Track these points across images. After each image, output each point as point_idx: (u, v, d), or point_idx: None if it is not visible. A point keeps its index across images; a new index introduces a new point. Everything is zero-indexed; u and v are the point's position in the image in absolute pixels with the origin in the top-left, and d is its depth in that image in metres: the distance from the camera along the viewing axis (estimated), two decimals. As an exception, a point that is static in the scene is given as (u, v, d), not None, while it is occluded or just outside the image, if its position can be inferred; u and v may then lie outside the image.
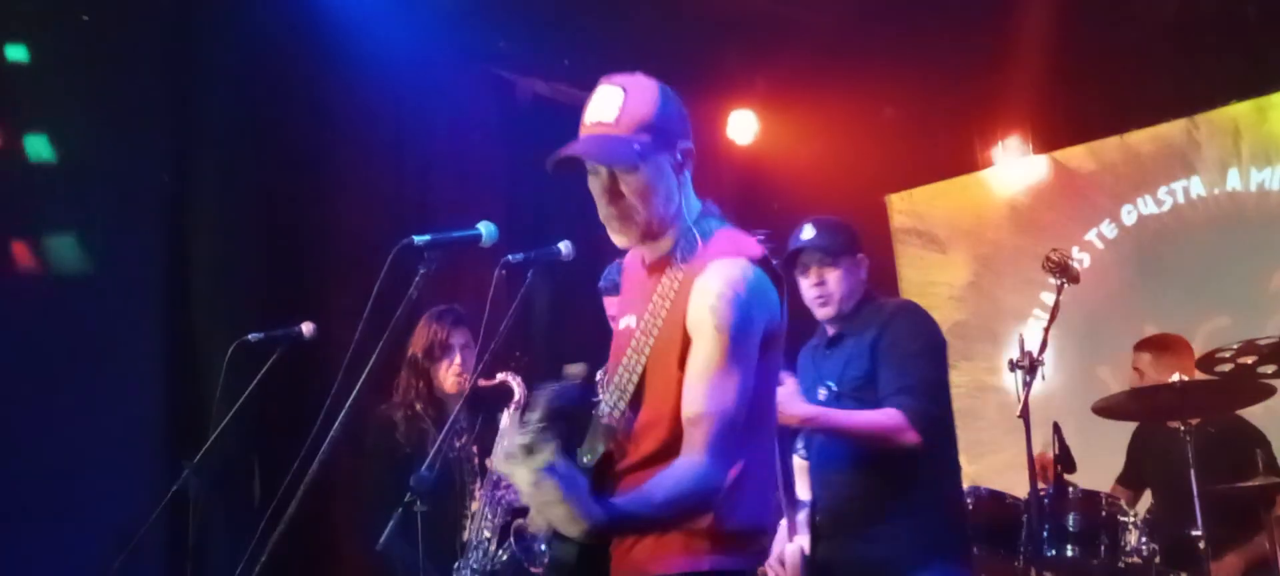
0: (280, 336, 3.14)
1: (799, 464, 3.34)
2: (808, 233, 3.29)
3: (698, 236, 2.10)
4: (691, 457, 1.93)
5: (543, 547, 2.55)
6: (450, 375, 3.68)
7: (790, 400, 3.00)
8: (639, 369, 2.04)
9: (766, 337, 2.05)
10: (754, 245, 2.10)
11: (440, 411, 3.66)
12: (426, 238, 2.42)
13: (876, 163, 6.26)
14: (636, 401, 2.03)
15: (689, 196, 2.14)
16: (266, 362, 3.10)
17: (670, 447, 1.98)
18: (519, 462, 1.71)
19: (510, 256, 2.51)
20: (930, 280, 6.39)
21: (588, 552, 1.92)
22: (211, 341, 4.25)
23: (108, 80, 4.20)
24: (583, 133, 2.10)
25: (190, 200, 4.51)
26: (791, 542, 3.26)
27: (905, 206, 6.53)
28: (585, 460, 2.01)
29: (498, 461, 1.96)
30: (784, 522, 3.27)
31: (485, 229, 2.51)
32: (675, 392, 1.99)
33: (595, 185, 2.10)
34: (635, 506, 1.87)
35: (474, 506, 3.59)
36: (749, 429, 2.01)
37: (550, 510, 1.75)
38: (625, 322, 2.20)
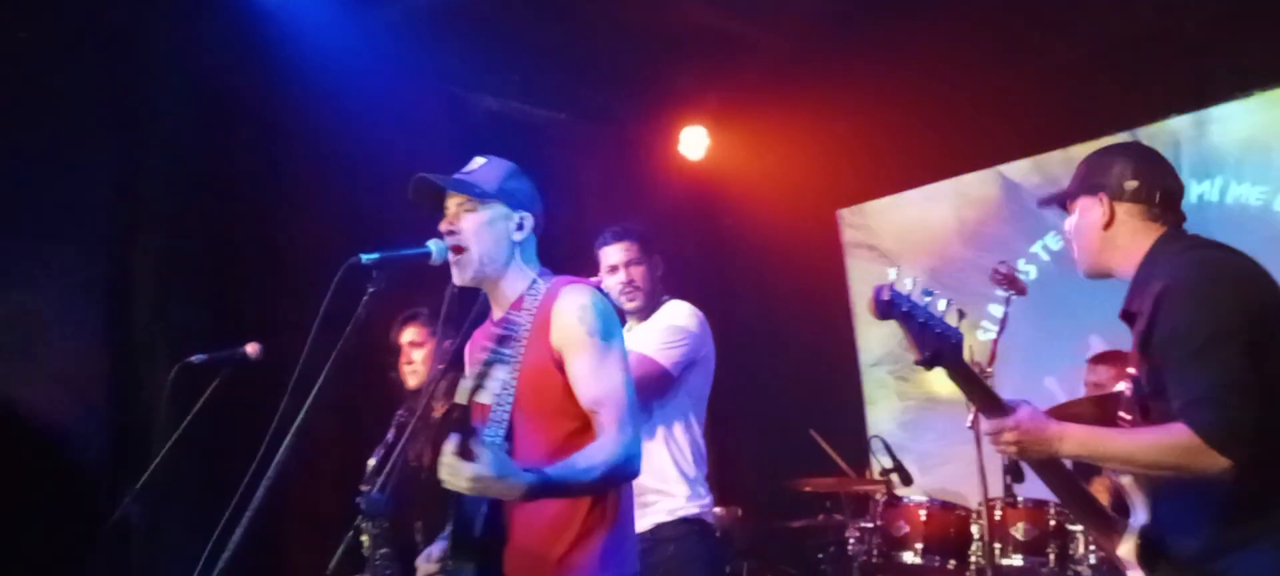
0: (225, 358, 3.09)
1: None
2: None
3: (543, 283, 2.45)
4: (603, 435, 2.28)
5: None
6: (408, 375, 3.75)
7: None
8: (510, 398, 2.29)
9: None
10: (591, 281, 2.52)
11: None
12: (375, 256, 2.39)
13: (827, 177, 6.32)
14: (510, 429, 2.28)
15: (530, 259, 2.49)
16: (211, 384, 3.05)
17: (560, 450, 2.28)
18: (457, 476, 2.07)
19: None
20: (881, 293, 6.46)
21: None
22: (154, 363, 4.17)
23: (50, 98, 4.12)
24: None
25: (134, 219, 4.43)
26: None
27: (856, 221, 6.59)
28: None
29: (443, 477, 2.13)
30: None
31: (435, 247, 2.47)
32: (552, 405, 2.31)
33: (444, 224, 2.45)
34: (561, 471, 2.21)
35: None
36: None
37: (491, 491, 2.12)
38: None
